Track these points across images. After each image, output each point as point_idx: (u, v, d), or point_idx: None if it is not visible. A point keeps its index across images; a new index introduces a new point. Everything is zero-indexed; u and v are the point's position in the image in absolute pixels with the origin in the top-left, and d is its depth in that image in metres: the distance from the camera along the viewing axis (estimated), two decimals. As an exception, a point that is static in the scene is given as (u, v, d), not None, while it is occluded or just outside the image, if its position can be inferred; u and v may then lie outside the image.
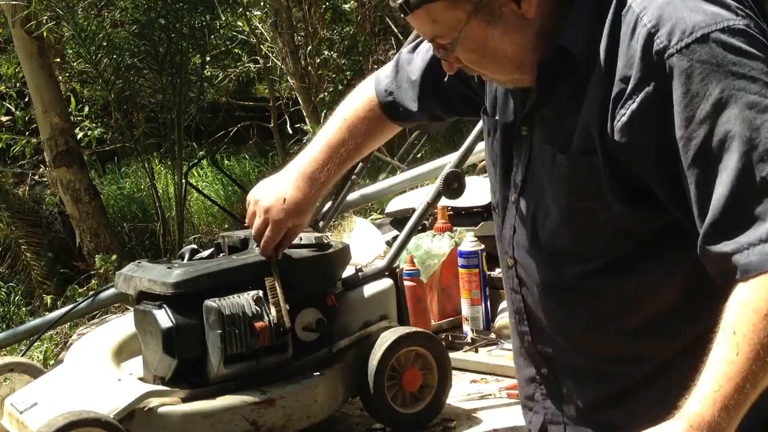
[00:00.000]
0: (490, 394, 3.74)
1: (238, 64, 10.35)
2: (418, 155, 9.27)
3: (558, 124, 1.35)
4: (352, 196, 5.02)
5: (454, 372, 3.64)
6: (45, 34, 7.33)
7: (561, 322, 1.45)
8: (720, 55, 1.14)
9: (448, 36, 1.33)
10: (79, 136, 7.88)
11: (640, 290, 1.35)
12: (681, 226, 1.25)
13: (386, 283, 3.56)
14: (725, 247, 1.14)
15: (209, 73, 9.26)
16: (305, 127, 8.98)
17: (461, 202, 4.26)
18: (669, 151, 1.20)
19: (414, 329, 3.51)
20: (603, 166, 1.27)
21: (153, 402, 2.98)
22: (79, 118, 8.11)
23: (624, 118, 1.22)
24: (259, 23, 9.33)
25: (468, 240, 4.39)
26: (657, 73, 1.18)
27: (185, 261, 3.39)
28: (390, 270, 3.61)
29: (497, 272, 4.78)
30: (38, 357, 5.46)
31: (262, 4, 9.10)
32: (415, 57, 1.76)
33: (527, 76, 1.37)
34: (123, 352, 3.40)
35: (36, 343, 5.33)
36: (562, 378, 1.50)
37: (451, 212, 4.91)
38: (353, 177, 3.73)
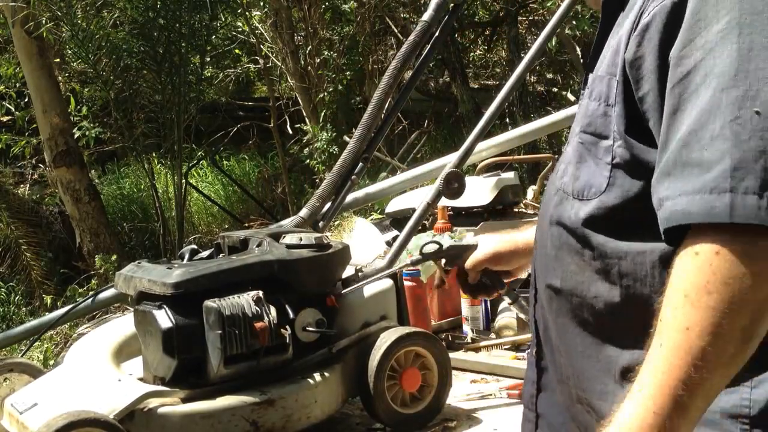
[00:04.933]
0: (490, 394, 3.74)
1: (238, 64, 10.35)
2: (418, 155, 9.28)
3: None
4: (353, 196, 5.02)
5: (454, 372, 3.64)
6: (45, 34, 7.34)
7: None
8: None
9: None
10: (77, 135, 7.88)
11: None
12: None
13: (386, 283, 3.56)
14: (664, 190, 1.02)
15: (209, 74, 9.26)
16: (305, 127, 8.98)
17: (461, 202, 4.26)
18: (663, 70, 1.06)
19: (414, 329, 3.51)
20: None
21: (153, 402, 2.98)
22: (77, 119, 8.11)
23: (636, 29, 1.10)
24: (259, 23, 9.33)
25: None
26: None
27: (185, 261, 3.39)
28: (390, 270, 3.61)
29: (497, 272, 4.78)
30: (38, 357, 5.45)
31: (261, 4, 9.10)
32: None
33: None
34: (123, 352, 3.40)
35: (36, 343, 5.33)
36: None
37: (451, 212, 4.91)
38: (353, 177, 3.73)
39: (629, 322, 1.12)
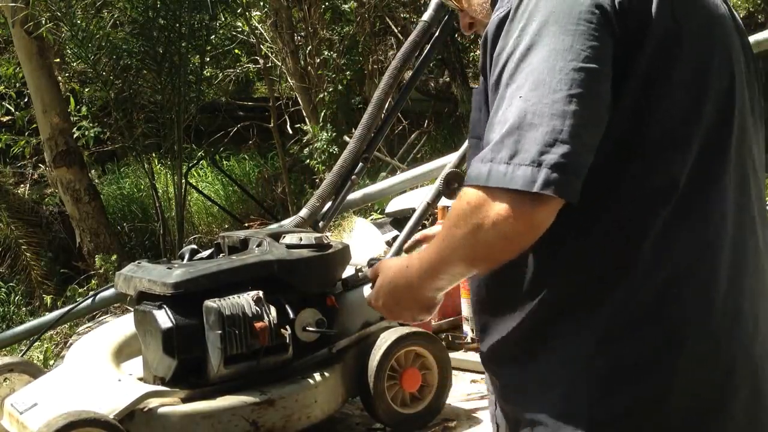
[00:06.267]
0: (490, 394, 3.74)
1: (238, 64, 10.35)
2: (418, 155, 9.28)
3: None
4: (353, 196, 5.02)
5: (454, 372, 3.64)
6: (45, 34, 7.34)
7: None
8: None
9: None
10: (76, 135, 7.88)
11: None
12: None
13: (386, 283, 3.56)
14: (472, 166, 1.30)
15: (209, 74, 9.26)
16: (305, 127, 8.99)
17: (461, 202, 4.26)
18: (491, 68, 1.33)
19: (414, 329, 3.51)
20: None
21: (153, 402, 2.98)
22: (77, 119, 8.11)
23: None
24: (259, 23, 9.33)
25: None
26: None
27: (185, 261, 3.39)
28: (390, 270, 3.61)
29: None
30: (38, 357, 5.46)
31: (261, 4, 9.10)
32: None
33: None
34: (123, 352, 3.41)
35: (36, 343, 5.34)
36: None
37: (451, 212, 4.91)
38: (353, 177, 3.73)
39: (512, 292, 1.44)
